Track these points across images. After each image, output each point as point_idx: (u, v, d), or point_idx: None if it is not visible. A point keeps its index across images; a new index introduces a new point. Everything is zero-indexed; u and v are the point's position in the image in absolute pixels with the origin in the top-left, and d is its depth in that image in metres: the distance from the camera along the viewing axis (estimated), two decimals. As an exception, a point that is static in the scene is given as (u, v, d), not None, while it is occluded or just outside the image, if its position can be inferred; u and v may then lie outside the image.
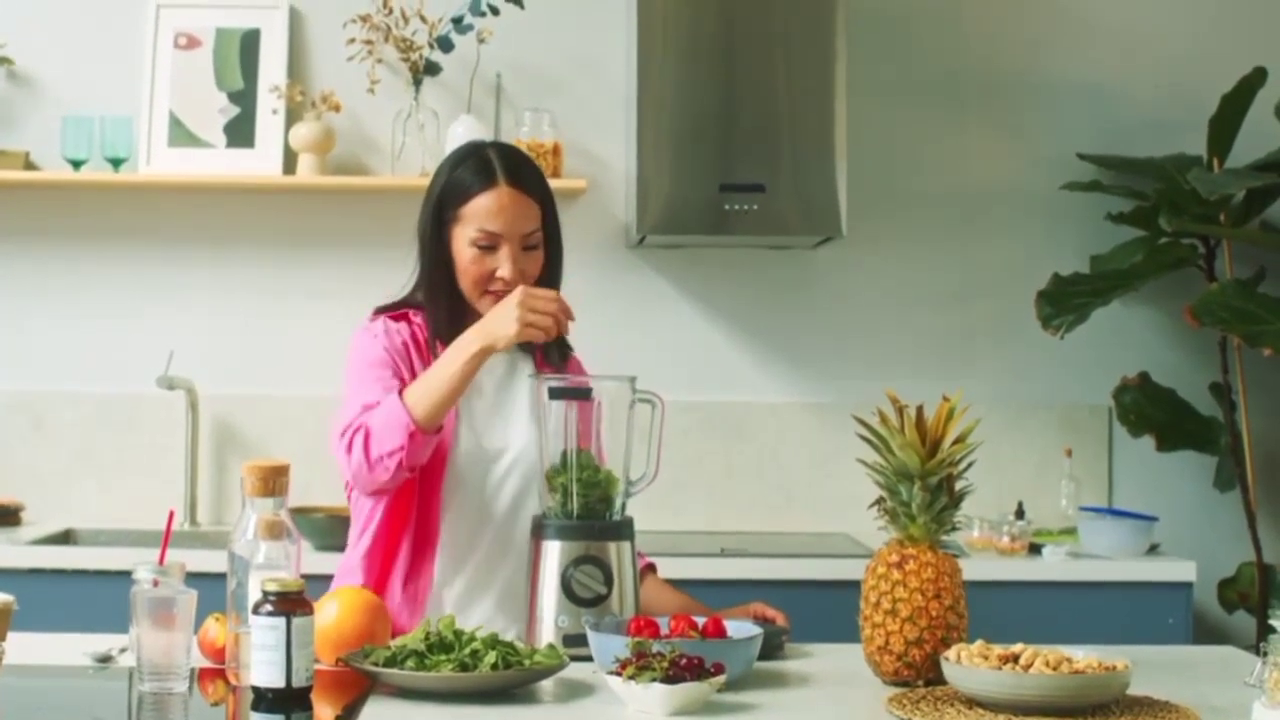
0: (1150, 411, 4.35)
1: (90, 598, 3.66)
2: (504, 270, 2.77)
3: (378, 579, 2.77)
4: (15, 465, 4.37)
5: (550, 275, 2.85)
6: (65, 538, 4.20)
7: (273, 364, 4.43)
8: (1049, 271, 4.28)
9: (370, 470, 2.65)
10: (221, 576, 2.44)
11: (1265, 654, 2.21)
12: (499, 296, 2.76)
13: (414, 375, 2.77)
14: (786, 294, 4.49)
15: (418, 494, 2.76)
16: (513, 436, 2.82)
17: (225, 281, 4.43)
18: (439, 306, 2.82)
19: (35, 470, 4.37)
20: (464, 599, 2.78)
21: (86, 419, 4.39)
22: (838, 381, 4.47)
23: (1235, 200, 4.28)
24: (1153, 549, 4.09)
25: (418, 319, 2.84)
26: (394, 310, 2.87)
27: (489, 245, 2.77)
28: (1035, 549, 4.05)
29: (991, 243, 4.53)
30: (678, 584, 2.97)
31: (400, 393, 2.66)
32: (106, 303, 4.42)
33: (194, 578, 2.42)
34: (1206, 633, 4.33)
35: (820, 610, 3.13)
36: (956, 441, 2.43)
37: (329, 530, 3.78)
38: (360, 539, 2.82)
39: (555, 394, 2.65)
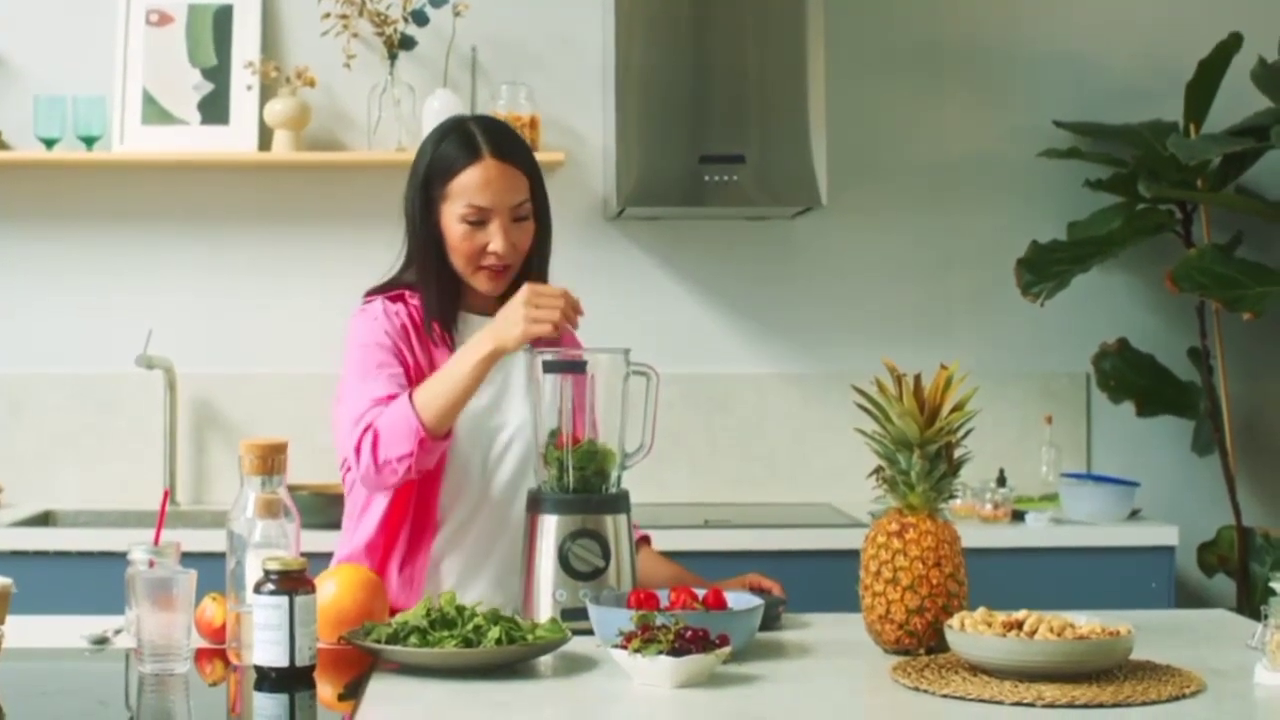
0: (1130, 377, 4.37)
1: (71, 579, 3.65)
2: (495, 244, 2.73)
3: (380, 564, 2.74)
4: (-7, 447, 4.35)
5: (540, 247, 2.83)
6: (45, 519, 4.18)
7: (251, 342, 4.41)
8: (1028, 239, 4.29)
9: (378, 474, 2.62)
10: (207, 555, 2.44)
11: (1266, 617, 2.23)
12: (492, 271, 2.76)
13: (415, 357, 2.75)
14: (766, 265, 4.49)
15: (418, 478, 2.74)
16: (511, 412, 2.80)
17: (202, 259, 4.40)
18: (431, 285, 2.78)
19: (13, 452, 4.34)
20: (462, 576, 2.76)
21: (65, 400, 4.36)
22: (818, 352, 4.47)
23: (1212, 166, 4.29)
24: (1134, 514, 4.11)
25: (414, 300, 2.80)
26: (388, 291, 2.83)
27: (478, 220, 2.74)
28: (1018, 516, 4.06)
29: (970, 211, 4.53)
30: (664, 556, 2.97)
31: (411, 395, 2.62)
32: (83, 283, 4.39)
33: (181, 557, 2.42)
34: (1187, 596, 4.36)
35: (808, 580, 3.14)
36: (954, 410, 2.44)
37: (316, 508, 3.76)
38: (360, 525, 2.78)
39: (550, 367, 2.64)
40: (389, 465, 2.61)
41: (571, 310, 2.62)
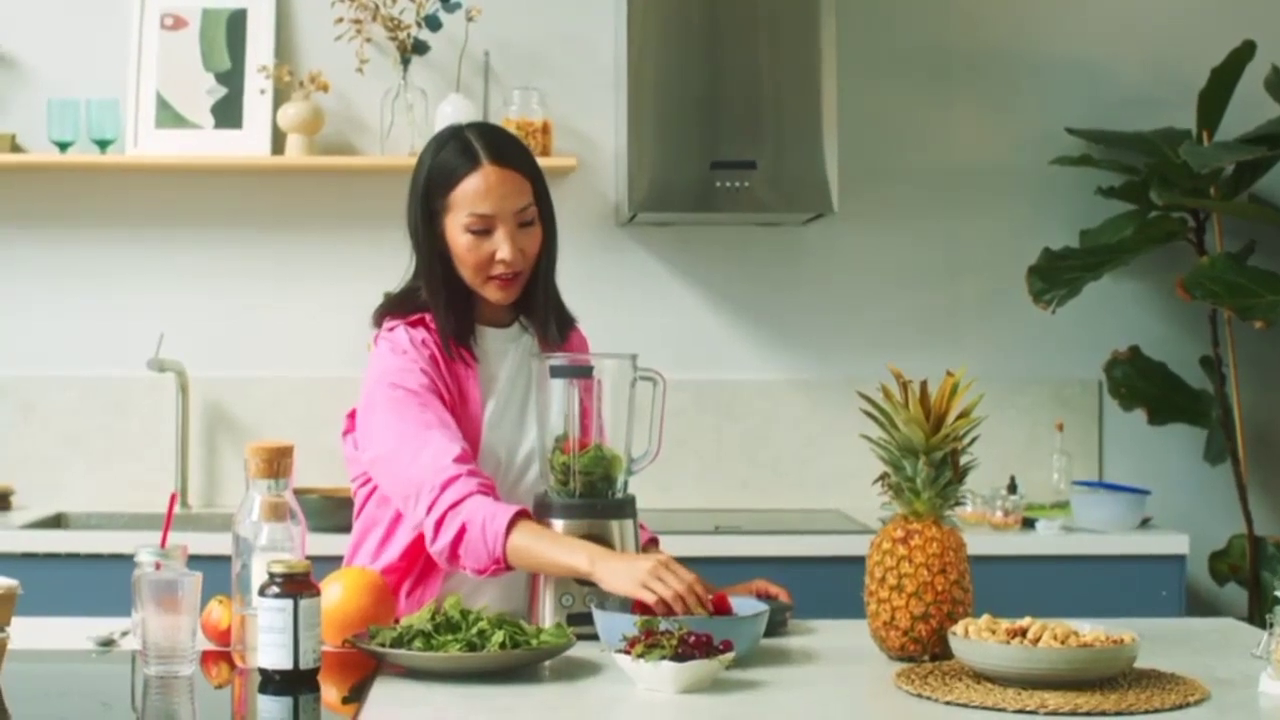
0: (1141, 385, 4.36)
1: (82, 581, 3.65)
2: (503, 252, 2.69)
3: (394, 585, 2.69)
4: (5, 449, 4.34)
5: (547, 251, 2.79)
6: (56, 521, 4.19)
7: (263, 346, 4.41)
8: (1039, 246, 4.29)
9: (448, 561, 2.58)
10: (215, 558, 2.43)
11: (1271, 625, 2.22)
12: (502, 280, 2.72)
13: (446, 386, 2.70)
14: (777, 271, 4.49)
15: None
16: (530, 425, 2.76)
17: (214, 263, 4.41)
18: (441, 303, 2.73)
19: (25, 454, 4.35)
20: (471, 587, 2.74)
21: (76, 403, 4.37)
22: (828, 358, 4.47)
23: (1225, 174, 4.29)
24: (1145, 522, 4.10)
25: (434, 324, 2.75)
26: (404, 311, 2.77)
27: (483, 229, 2.69)
28: (1028, 523, 4.06)
29: (982, 218, 4.53)
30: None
31: (511, 524, 2.52)
32: (95, 285, 4.40)
33: (189, 560, 2.42)
34: (1198, 605, 4.35)
35: (816, 586, 3.14)
36: (960, 416, 2.43)
37: (324, 511, 3.77)
38: (382, 552, 2.75)
39: (556, 372, 2.64)
40: (459, 563, 2.58)
41: (694, 597, 2.42)
